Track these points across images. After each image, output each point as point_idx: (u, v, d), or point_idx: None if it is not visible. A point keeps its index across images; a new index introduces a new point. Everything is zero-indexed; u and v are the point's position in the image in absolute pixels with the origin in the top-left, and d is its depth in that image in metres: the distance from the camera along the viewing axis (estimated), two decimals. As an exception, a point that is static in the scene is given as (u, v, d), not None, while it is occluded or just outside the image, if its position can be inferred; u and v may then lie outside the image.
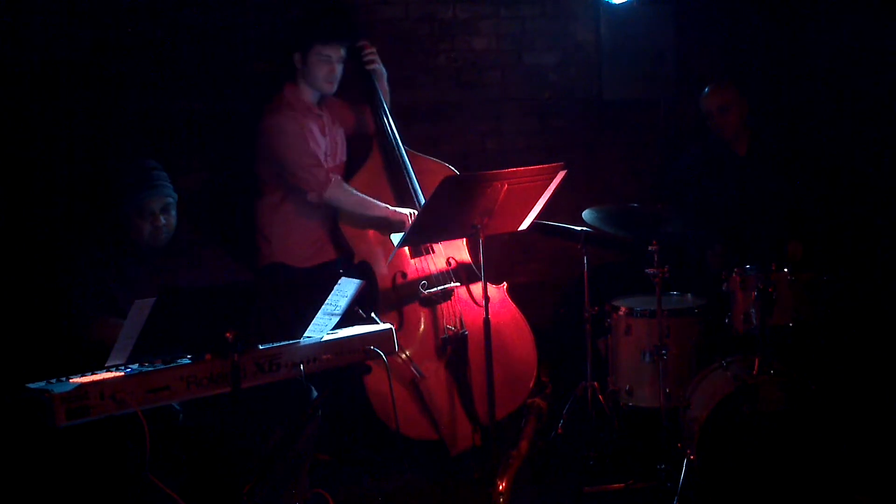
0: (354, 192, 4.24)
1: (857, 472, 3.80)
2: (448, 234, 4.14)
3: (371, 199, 4.24)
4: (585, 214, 4.26)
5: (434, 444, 4.26)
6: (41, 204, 4.28)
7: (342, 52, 4.26)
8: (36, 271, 4.06)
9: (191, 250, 3.69)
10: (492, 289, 4.34)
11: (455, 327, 4.29)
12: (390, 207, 4.24)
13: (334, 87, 4.31)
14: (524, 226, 4.07)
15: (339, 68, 4.28)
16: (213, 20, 4.63)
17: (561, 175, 3.89)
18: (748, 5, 5.57)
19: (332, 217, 4.31)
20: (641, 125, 5.55)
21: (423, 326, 4.29)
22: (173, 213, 3.56)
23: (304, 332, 3.16)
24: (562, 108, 5.48)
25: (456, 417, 4.28)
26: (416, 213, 4.17)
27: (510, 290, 4.58)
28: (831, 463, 3.72)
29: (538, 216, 4.06)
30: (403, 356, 4.17)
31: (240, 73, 4.68)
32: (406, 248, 4.29)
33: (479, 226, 3.80)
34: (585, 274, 4.34)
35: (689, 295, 4.53)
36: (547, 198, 3.96)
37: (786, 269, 3.98)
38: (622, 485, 4.06)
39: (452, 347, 4.26)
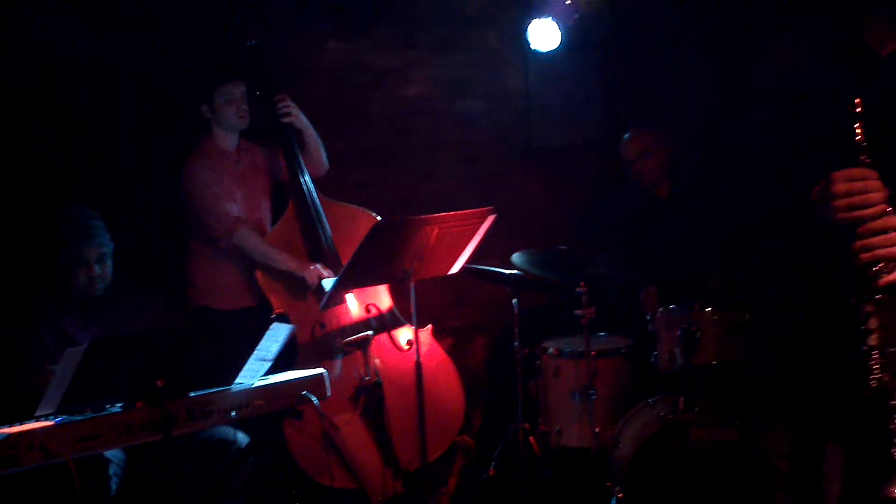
0: (262, 241, 4.28)
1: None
2: (380, 279, 4.19)
3: (277, 252, 4.26)
4: (515, 257, 4.35)
5: (357, 492, 4.23)
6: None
7: (243, 86, 4.34)
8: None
9: (128, 297, 3.70)
10: (421, 334, 4.38)
11: (370, 376, 4.25)
12: (295, 262, 4.25)
13: (247, 120, 4.38)
14: (455, 270, 4.14)
15: (245, 103, 4.36)
16: (151, 68, 4.66)
17: (491, 219, 3.98)
18: (673, 51, 5.74)
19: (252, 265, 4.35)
20: (570, 169, 5.67)
21: (338, 377, 4.25)
22: (109, 262, 3.56)
23: (235, 378, 3.18)
24: (493, 153, 5.59)
25: (375, 466, 4.23)
26: (319, 267, 4.24)
27: (437, 334, 4.59)
28: (757, 498, 3.81)
29: (469, 260, 4.14)
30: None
31: (172, 119, 4.70)
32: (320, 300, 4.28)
33: (410, 270, 3.86)
34: (515, 316, 4.42)
35: (616, 335, 4.63)
36: (477, 241, 4.04)
37: (709, 309, 4.07)
38: (554, 524, 4.13)
39: (367, 396, 4.23)
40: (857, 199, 1.92)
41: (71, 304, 3.53)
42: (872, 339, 1.91)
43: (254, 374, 3.24)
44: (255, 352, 3.15)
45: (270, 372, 3.32)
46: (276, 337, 3.23)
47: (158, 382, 2.85)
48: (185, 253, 4.41)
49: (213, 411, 3.09)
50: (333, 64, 5.24)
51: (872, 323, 1.92)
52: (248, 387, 3.22)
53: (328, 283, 4.17)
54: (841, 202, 1.93)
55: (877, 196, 1.91)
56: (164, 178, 4.57)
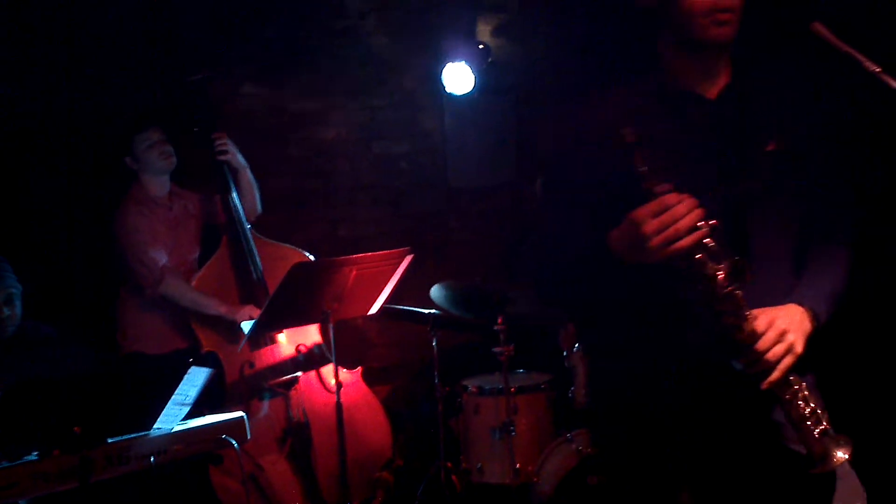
0: (190, 289, 4.25)
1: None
2: (299, 321, 4.20)
3: (206, 298, 4.25)
4: (433, 291, 4.40)
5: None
6: None
7: (159, 131, 4.33)
8: None
9: (51, 342, 3.66)
10: (346, 373, 4.41)
11: (299, 417, 4.26)
12: (224, 307, 4.24)
13: (173, 160, 4.36)
14: (374, 310, 4.18)
15: (166, 144, 4.34)
16: (82, 112, 4.64)
17: (408, 259, 4.04)
18: (585, 92, 5.88)
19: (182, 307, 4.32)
20: (487, 210, 5.75)
21: (265, 418, 4.24)
22: (17, 303, 3.53)
23: (153, 423, 3.16)
24: (412, 194, 5.64)
25: (300, 507, 4.22)
26: (250, 308, 4.24)
27: (365, 374, 4.62)
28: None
29: (388, 300, 4.18)
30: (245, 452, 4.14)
31: (102, 165, 4.68)
32: (252, 339, 4.29)
33: (329, 311, 3.89)
34: (435, 355, 4.46)
35: (535, 372, 4.69)
36: (396, 282, 4.09)
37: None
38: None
39: (294, 438, 4.22)
40: (669, 231, 1.82)
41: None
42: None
43: (173, 418, 3.22)
44: (174, 396, 3.14)
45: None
46: (194, 381, 3.22)
47: (75, 429, 2.82)
48: (116, 299, 4.35)
49: (131, 457, 3.07)
50: (250, 107, 5.27)
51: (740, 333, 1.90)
52: (167, 432, 3.21)
53: (246, 326, 4.16)
54: (654, 241, 1.82)
55: (686, 221, 1.82)
56: (91, 224, 4.56)
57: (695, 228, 1.83)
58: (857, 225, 2.24)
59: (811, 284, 2.08)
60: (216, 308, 4.23)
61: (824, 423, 1.93)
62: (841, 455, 1.91)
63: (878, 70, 1.86)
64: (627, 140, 1.86)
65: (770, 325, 1.90)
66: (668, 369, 2.04)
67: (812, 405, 1.93)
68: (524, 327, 4.62)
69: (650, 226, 1.82)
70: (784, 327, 1.91)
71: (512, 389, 4.30)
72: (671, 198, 1.82)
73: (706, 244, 1.85)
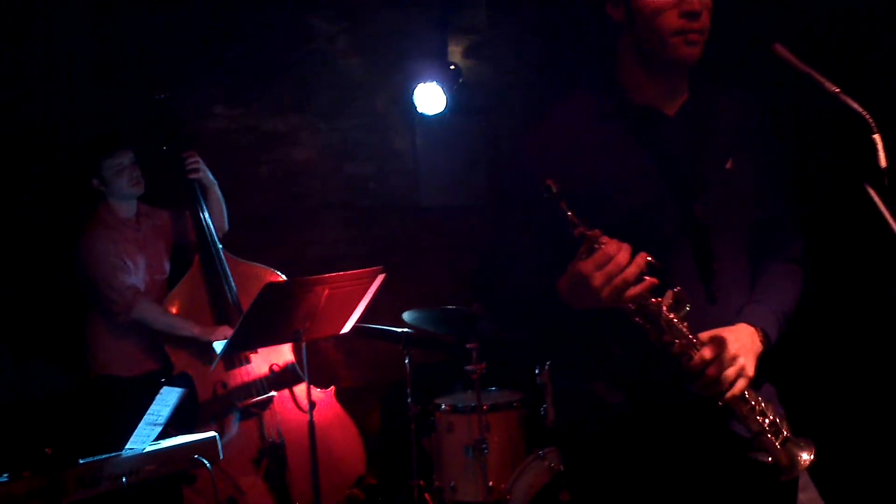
0: (163, 312, 4.22)
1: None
2: (272, 340, 4.19)
3: (180, 320, 4.23)
4: (406, 316, 4.42)
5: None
6: None
7: (130, 153, 4.28)
8: None
9: (19, 365, 3.64)
10: (319, 392, 4.42)
11: (273, 437, 4.25)
12: (198, 328, 4.22)
13: (143, 187, 4.32)
14: (346, 329, 4.19)
15: (136, 169, 4.29)
16: (45, 131, 4.63)
17: (380, 279, 4.06)
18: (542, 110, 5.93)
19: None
20: (458, 229, 5.77)
21: (241, 438, 4.22)
22: None
23: (125, 444, 3.15)
24: (382, 215, 5.66)
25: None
26: (224, 328, 4.23)
27: (338, 394, 4.62)
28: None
29: (360, 319, 4.20)
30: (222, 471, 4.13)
31: (64, 187, 4.67)
32: (226, 358, 4.27)
33: (301, 330, 3.90)
34: (408, 374, 4.48)
35: (507, 390, 4.72)
36: (367, 301, 4.10)
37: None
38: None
39: (269, 458, 4.21)
40: (618, 282, 1.84)
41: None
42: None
43: (144, 439, 3.22)
44: (146, 416, 3.14)
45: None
46: (166, 401, 3.22)
47: (46, 450, 2.81)
48: (84, 323, 4.28)
49: (102, 478, 3.06)
50: (221, 127, 5.28)
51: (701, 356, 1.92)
52: (139, 452, 3.20)
53: (219, 346, 4.16)
54: (605, 293, 1.85)
55: (633, 270, 1.85)
56: (56, 244, 4.52)
57: (641, 274, 1.86)
58: (806, 243, 2.28)
59: (761, 302, 2.11)
60: (190, 330, 4.21)
61: (785, 432, 1.97)
62: (806, 457, 1.95)
63: (837, 91, 1.90)
64: (554, 191, 1.87)
65: (720, 350, 1.93)
66: (626, 392, 2.07)
67: (770, 417, 1.97)
68: (495, 345, 4.65)
69: (597, 280, 1.84)
70: (734, 352, 1.94)
71: (484, 407, 4.32)
72: (611, 248, 1.85)
73: (651, 283, 1.88)
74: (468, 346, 4.31)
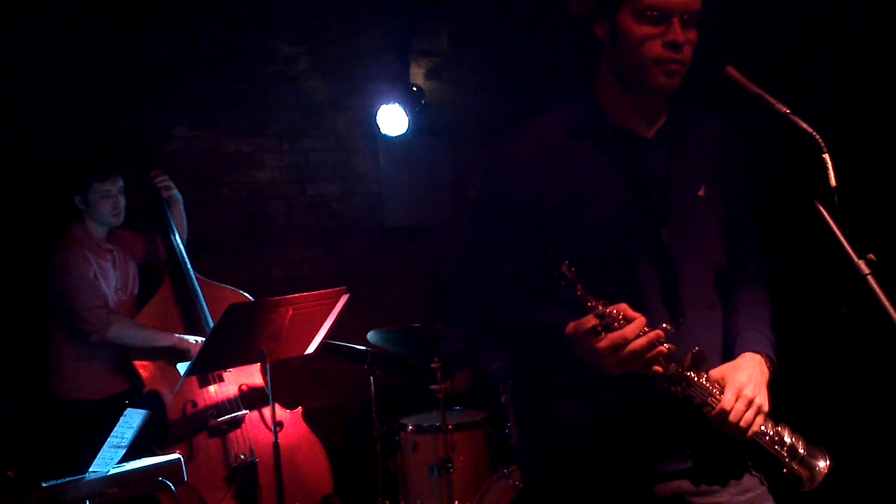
0: (139, 327, 4.22)
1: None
2: (236, 361, 4.18)
3: (156, 331, 4.23)
4: (370, 336, 4.44)
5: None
6: None
7: (120, 182, 4.30)
8: None
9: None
10: (285, 413, 4.41)
11: (245, 455, 4.24)
12: (176, 336, 4.24)
13: (122, 218, 4.33)
14: (311, 349, 4.20)
15: (122, 199, 4.31)
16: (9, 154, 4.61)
17: (344, 299, 4.07)
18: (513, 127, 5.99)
19: (122, 349, 4.27)
20: (422, 249, 5.81)
21: (212, 457, 4.20)
22: None
23: (89, 467, 3.14)
24: (346, 235, 5.68)
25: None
26: (201, 340, 4.22)
27: (304, 414, 4.61)
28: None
29: (325, 339, 4.20)
30: (192, 490, 4.12)
31: (32, 207, 4.64)
32: (196, 377, 4.29)
33: (266, 351, 3.90)
34: (372, 393, 4.49)
35: (472, 409, 4.74)
36: (332, 321, 4.11)
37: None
38: None
39: (241, 476, 4.19)
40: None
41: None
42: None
43: (108, 461, 3.20)
44: (110, 439, 3.13)
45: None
46: (129, 423, 3.21)
47: (8, 473, 2.80)
48: (48, 347, 4.24)
49: (67, 501, 3.05)
50: (183, 149, 5.27)
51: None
52: (102, 475, 3.19)
53: (182, 367, 4.15)
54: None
55: (652, 354, 1.89)
56: (21, 267, 4.50)
57: (658, 352, 1.89)
58: (773, 267, 2.35)
59: (754, 328, 2.17)
60: (169, 339, 4.20)
61: (801, 451, 2.06)
62: (823, 465, 2.06)
63: (787, 111, 1.95)
64: (569, 277, 1.89)
65: (738, 397, 1.98)
66: (589, 412, 2.08)
67: (787, 440, 2.05)
68: (459, 365, 4.68)
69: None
70: (750, 395, 1.99)
71: (450, 427, 4.34)
72: (628, 331, 1.87)
73: (668, 353, 1.91)
74: (433, 365, 4.32)
